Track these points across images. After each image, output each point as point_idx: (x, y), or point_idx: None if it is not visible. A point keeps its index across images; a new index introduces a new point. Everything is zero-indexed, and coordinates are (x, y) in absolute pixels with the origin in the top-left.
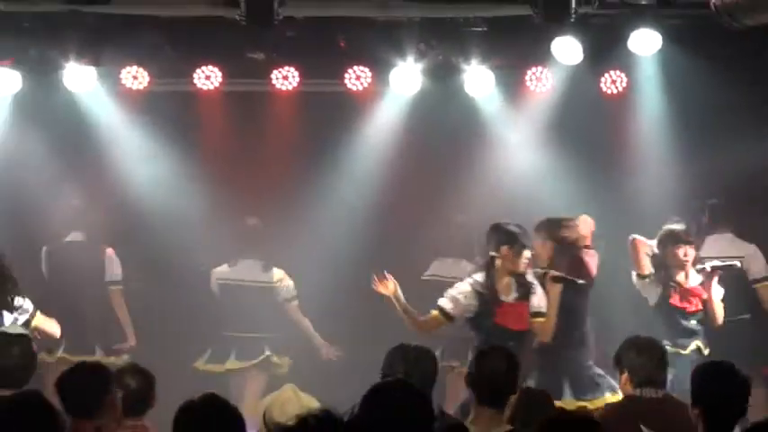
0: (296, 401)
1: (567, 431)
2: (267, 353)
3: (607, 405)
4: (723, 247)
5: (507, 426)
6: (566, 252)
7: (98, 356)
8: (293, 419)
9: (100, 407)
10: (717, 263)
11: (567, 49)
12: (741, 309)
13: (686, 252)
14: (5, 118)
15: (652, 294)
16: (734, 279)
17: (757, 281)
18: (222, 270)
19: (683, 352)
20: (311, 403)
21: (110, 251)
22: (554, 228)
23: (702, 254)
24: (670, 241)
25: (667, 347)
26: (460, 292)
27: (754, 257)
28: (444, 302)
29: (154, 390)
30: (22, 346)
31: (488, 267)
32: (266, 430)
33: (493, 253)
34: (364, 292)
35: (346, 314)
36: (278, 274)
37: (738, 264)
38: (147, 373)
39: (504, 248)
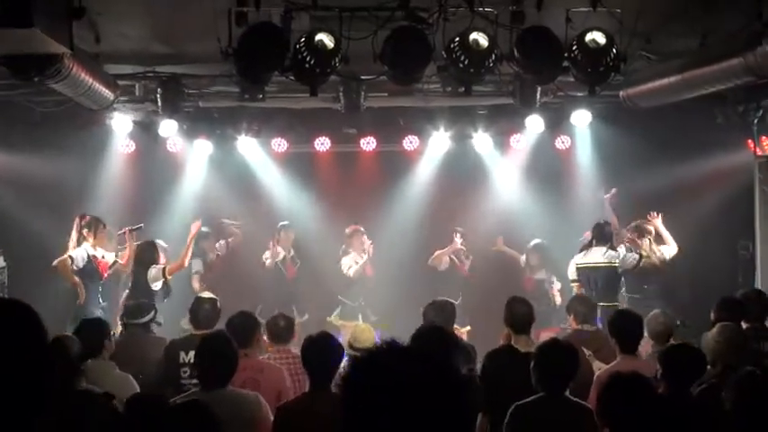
0: (368, 331)
1: (554, 350)
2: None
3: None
4: (597, 256)
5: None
6: None
7: None
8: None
9: (251, 341)
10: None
11: (535, 122)
12: (613, 298)
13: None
14: (203, 171)
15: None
16: (610, 275)
17: (627, 270)
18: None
19: None
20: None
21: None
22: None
23: (589, 258)
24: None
25: None
26: None
27: (622, 260)
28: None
29: (293, 328)
30: (211, 301)
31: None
32: (350, 349)
33: None
34: (412, 276)
35: (399, 289)
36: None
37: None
38: (290, 319)
39: None
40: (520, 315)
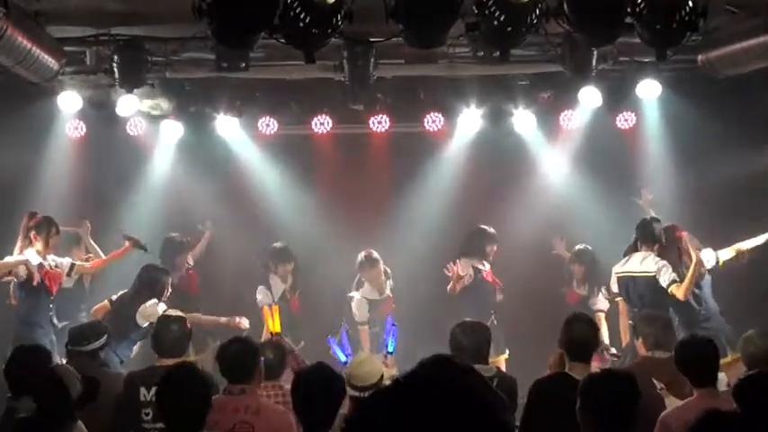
0: (369, 362)
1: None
2: None
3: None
4: (635, 262)
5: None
6: None
7: None
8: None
9: (251, 374)
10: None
11: (590, 96)
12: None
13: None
14: (171, 157)
15: None
16: (654, 287)
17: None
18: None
19: None
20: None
21: None
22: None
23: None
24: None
25: None
26: None
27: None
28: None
29: (285, 360)
30: (179, 321)
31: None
32: (351, 389)
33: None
34: (433, 275)
35: (420, 287)
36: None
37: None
38: (281, 347)
39: None
40: (580, 337)
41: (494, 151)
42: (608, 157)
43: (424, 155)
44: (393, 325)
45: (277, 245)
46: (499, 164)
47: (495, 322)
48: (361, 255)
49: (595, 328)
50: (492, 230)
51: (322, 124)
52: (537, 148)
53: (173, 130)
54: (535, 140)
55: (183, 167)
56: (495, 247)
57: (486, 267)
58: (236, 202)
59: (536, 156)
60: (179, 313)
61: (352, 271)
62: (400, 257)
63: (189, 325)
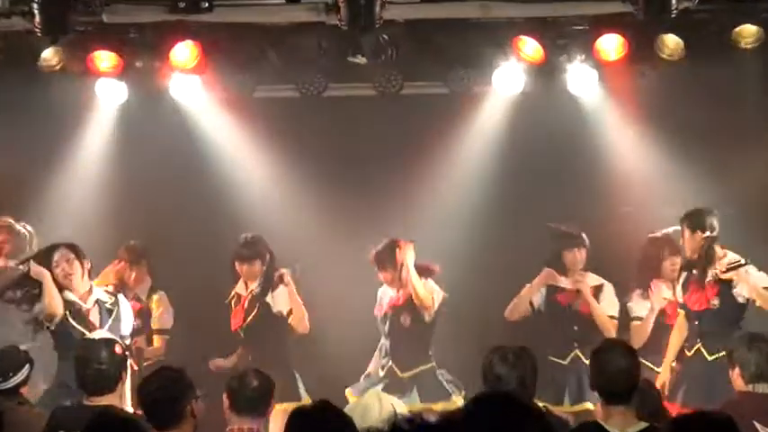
0: (377, 408)
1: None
2: None
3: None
4: None
5: (643, 423)
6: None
7: None
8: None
9: (179, 417)
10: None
11: (670, 44)
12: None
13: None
14: (111, 128)
15: None
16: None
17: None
18: None
19: None
20: (396, 407)
21: None
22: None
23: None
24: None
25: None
26: None
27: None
28: None
29: (272, 393)
30: (109, 345)
31: None
32: None
33: None
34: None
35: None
36: None
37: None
38: (267, 378)
39: None
40: (614, 373)
41: (541, 119)
42: (693, 125)
43: (448, 124)
44: None
45: (244, 236)
46: (549, 134)
47: (582, 357)
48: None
49: (632, 358)
50: (567, 229)
51: (312, 84)
52: (599, 114)
53: (112, 92)
54: (597, 103)
55: (126, 141)
56: (578, 254)
57: (564, 284)
58: (198, 186)
59: (598, 124)
60: (106, 334)
61: (356, 275)
62: (421, 256)
63: (121, 349)
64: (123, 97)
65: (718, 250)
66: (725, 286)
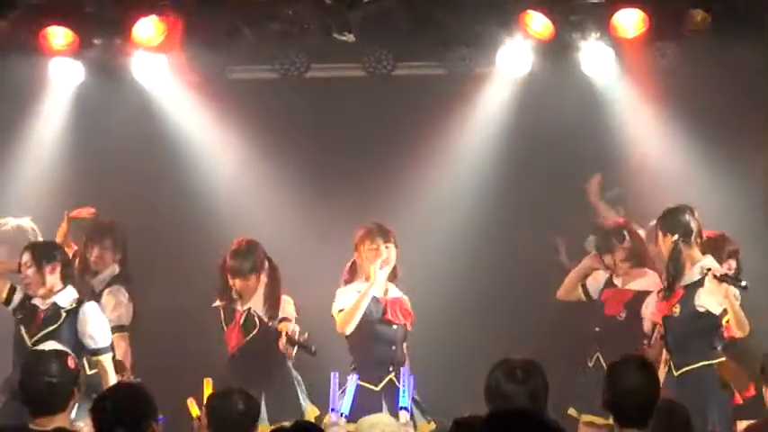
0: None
1: None
2: None
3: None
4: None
5: None
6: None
7: None
8: None
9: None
10: None
11: (696, 19)
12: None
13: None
14: (66, 113)
15: None
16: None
17: None
18: None
19: None
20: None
21: None
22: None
23: None
24: None
25: None
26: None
27: None
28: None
29: (257, 416)
30: (60, 357)
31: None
32: None
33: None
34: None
35: (444, 288)
36: None
37: None
38: (252, 399)
39: None
40: (624, 391)
41: (551, 102)
42: (717, 110)
43: (445, 109)
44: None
45: (237, 242)
46: (559, 120)
47: (603, 362)
48: (360, 230)
49: (650, 377)
50: (609, 223)
51: (293, 64)
52: (616, 96)
53: (67, 73)
54: (612, 85)
55: (82, 127)
56: (618, 252)
57: (601, 281)
58: (163, 177)
59: (614, 108)
60: (56, 345)
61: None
62: (413, 255)
63: (74, 363)
64: (79, 78)
65: (696, 253)
66: (689, 292)
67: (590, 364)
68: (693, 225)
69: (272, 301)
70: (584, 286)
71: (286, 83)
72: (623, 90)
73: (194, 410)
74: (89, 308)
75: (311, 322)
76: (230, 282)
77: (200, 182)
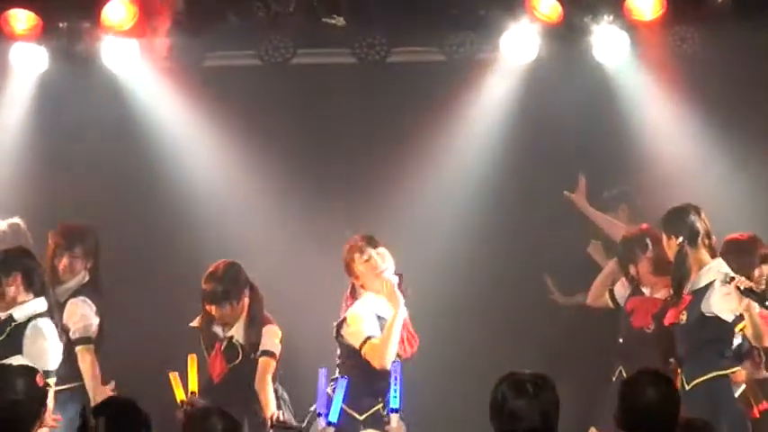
0: None
1: None
2: None
3: None
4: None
5: None
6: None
7: None
8: None
9: None
10: None
11: (717, 1)
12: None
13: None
14: (28, 103)
15: None
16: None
17: None
18: None
19: None
20: None
21: None
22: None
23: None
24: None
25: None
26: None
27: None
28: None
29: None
30: (27, 374)
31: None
32: None
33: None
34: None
35: (447, 288)
36: None
37: None
38: (233, 421)
39: None
40: (639, 408)
41: (559, 91)
42: (739, 99)
43: (444, 97)
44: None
45: (214, 266)
46: (568, 109)
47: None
48: (349, 243)
49: (668, 392)
50: (629, 231)
51: (276, 49)
52: (630, 85)
53: (30, 59)
54: (626, 72)
55: (46, 118)
56: (642, 262)
57: (627, 291)
58: (134, 173)
59: (628, 98)
60: (23, 361)
61: (329, 287)
62: (412, 255)
63: (42, 381)
64: (43, 65)
65: (703, 255)
66: (697, 297)
67: (613, 378)
68: (700, 226)
69: (253, 331)
70: (611, 292)
71: (269, 70)
72: (637, 77)
73: (179, 393)
74: (39, 324)
75: (303, 332)
76: (207, 307)
77: (175, 178)
